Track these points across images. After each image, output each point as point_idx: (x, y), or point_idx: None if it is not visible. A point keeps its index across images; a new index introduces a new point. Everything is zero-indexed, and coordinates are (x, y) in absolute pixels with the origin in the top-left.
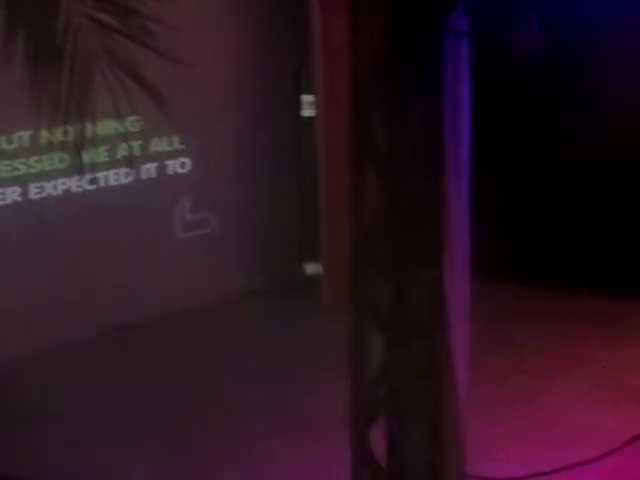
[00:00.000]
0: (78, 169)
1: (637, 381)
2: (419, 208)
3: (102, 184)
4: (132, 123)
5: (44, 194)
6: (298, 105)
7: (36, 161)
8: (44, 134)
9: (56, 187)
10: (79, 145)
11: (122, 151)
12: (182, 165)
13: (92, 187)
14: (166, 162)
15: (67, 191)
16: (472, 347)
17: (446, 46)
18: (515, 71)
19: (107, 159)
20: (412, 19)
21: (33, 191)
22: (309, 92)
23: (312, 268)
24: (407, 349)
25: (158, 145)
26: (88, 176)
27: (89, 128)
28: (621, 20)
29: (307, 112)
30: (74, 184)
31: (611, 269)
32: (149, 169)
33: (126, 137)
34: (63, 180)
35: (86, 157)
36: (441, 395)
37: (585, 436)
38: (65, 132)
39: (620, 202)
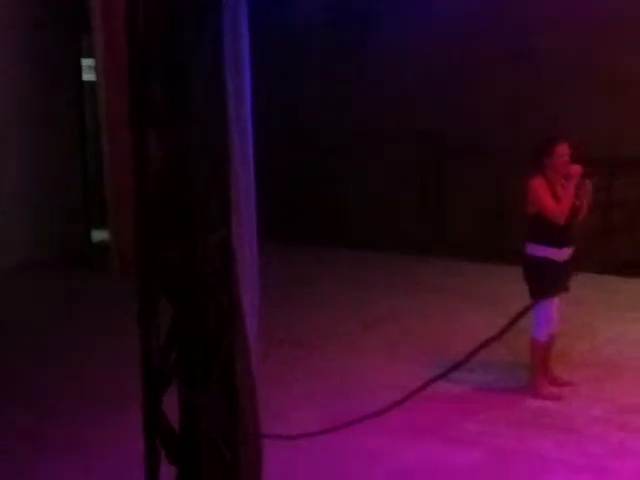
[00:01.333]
0: None
1: (430, 335)
2: (203, 169)
3: None
4: None
5: None
6: (79, 69)
7: None
8: None
9: None
10: None
11: None
12: None
13: None
14: None
15: None
16: (263, 308)
17: (225, 6)
18: (293, 30)
19: None
20: None
21: None
22: (90, 56)
23: (100, 235)
24: (197, 312)
25: None
26: None
27: None
28: None
29: (88, 76)
30: None
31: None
32: None
33: None
34: None
35: None
36: (234, 357)
37: (378, 391)
38: None
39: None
